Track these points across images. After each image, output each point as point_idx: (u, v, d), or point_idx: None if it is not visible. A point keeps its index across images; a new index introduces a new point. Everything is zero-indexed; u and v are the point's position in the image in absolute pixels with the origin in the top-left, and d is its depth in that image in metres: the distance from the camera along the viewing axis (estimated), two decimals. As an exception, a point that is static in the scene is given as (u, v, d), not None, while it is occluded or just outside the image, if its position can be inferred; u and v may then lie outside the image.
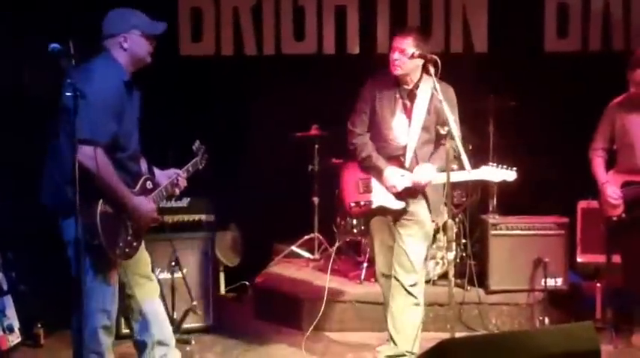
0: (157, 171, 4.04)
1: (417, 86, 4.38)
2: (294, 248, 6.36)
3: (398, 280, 4.36)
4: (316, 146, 6.30)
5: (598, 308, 5.22)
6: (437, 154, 4.35)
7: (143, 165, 3.98)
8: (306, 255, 6.36)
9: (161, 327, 4.15)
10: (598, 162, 5.04)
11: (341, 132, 5.95)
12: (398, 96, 4.38)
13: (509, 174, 4.32)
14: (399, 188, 4.33)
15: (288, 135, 6.19)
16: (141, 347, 4.16)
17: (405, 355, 4.37)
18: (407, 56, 4.23)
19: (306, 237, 6.34)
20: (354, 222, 6.23)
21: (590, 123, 5.16)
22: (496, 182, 4.39)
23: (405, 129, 4.36)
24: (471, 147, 5.32)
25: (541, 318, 5.22)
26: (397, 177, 4.33)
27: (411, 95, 4.37)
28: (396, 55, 4.29)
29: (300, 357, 4.89)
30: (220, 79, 6.60)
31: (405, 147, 4.37)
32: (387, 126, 4.38)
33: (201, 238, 5.38)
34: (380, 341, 4.72)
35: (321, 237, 6.30)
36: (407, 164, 4.37)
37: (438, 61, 4.10)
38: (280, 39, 6.80)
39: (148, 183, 3.92)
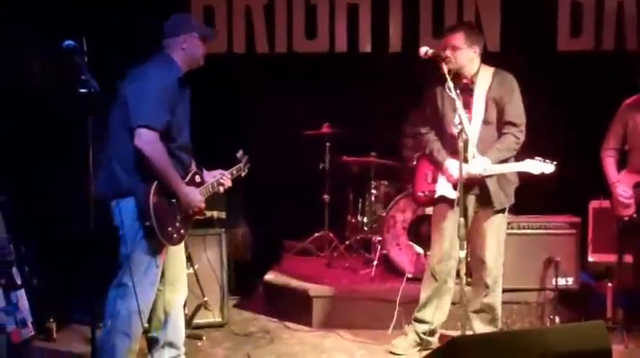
0: (203, 169, 4.29)
1: (473, 79, 4.51)
2: (304, 245, 6.37)
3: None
4: (327, 144, 6.32)
5: (609, 307, 5.22)
6: (495, 146, 4.50)
7: (192, 160, 4.20)
8: (317, 252, 6.37)
9: (177, 331, 4.28)
10: (609, 162, 5.04)
11: (352, 131, 6.02)
12: (457, 91, 4.30)
13: (548, 167, 4.39)
14: (454, 179, 4.46)
15: (299, 133, 6.20)
16: (152, 343, 4.23)
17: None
18: (459, 50, 4.42)
19: (316, 234, 6.36)
20: (365, 219, 6.27)
21: (603, 123, 5.15)
22: (535, 175, 4.42)
23: (465, 123, 4.27)
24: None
25: (551, 317, 5.22)
26: (454, 169, 4.39)
27: (469, 89, 4.50)
28: (448, 52, 4.41)
29: (311, 354, 4.90)
30: (232, 77, 6.62)
31: (465, 143, 4.25)
32: (448, 122, 4.46)
33: (212, 235, 5.41)
34: (389, 338, 4.74)
35: (331, 235, 6.32)
36: (470, 158, 4.46)
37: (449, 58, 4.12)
38: (292, 37, 6.82)
39: (197, 176, 4.16)
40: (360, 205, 6.42)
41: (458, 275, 4.21)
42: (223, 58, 6.76)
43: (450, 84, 4.08)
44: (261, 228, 6.60)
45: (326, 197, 6.35)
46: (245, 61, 6.78)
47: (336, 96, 6.28)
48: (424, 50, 4.26)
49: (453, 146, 4.35)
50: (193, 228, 5.22)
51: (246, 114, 6.59)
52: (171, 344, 4.25)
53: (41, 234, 5.28)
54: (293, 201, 6.40)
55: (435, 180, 4.73)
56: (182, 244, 4.23)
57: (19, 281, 5.11)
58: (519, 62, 6.33)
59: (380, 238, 5.82)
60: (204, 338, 5.10)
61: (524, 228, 5.40)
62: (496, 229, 4.67)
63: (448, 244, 4.61)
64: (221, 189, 4.28)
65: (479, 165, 4.43)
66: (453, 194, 4.49)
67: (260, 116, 6.57)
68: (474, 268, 4.76)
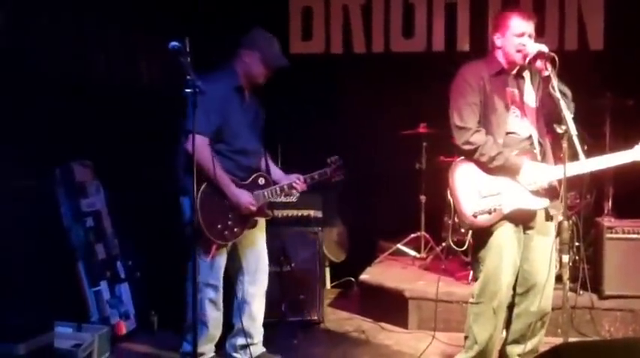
0: (279, 172, 4.51)
1: (519, 73, 4.09)
2: (399, 246, 6.35)
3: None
4: (424, 144, 6.27)
5: None
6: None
7: (262, 163, 4.44)
8: (412, 253, 6.34)
9: (253, 321, 4.50)
10: None
11: (449, 131, 5.93)
12: (504, 83, 4.05)
13: None
14: (544, 183, 3.94)
15: (396, 133, 6.17)
16: (230, 329, 4.52)
17: None
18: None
19: (412, 235, 6.32)
20: (455, 219, 6.16)
21: None
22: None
23: (519, 120, 4.04)
24: (586, 148, 5.14)
25: (657, 326, 5.03)
26: (540, 172, 3.93)
27: (518, 83, 4.09)
28: (528, 41, 3.94)
29: (406, 356, 4.88)
30: (330, 77, 6.66)
31: (529, 139, 4.03)
32: (503, 119, 4.01)
33: (309, 233, 5.46)
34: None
35: (427, 236, 6.27)
36: (539, 157, 4.02)
37: (556, 58, 3.84)
38: (389, 36, 6.80)
39: (261, 179, 4.38)
40: (452, 206, 6.32)
41: (560, 280, 4.05)
42: (321, 58, 6.81)
43: (555, 83, 3.87)
44: (356, 227, 6.61)
45: (422, 197, 6.30)
46: (342, 61, 6.80)
47: (433, 95, 6.19)
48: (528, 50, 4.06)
49: (510, 147, 3.99)
50: (290, 226, 5.35)
51: (343, 114, 6.60)
52: (245, 333, 4.46)
53: (144, 229, 5.44)
54: (389, 202, 6.37)
55: (494, 192, 3.98)
56: (260, 236, 4.52)
57: (122, 275, 5.30)
58: (624, 61, 6.17)
59: (472, 241, 5.72)
60: (299, 336, 5.14)
61: (629, 233, 5.20)
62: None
63: (512, 275, 4.06)
64: (294, 192, 4.46)
65: (578, 163, 3.75)
66: (536, 203, 3.97)
67: (357, 116, 6.56)
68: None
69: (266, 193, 4.35)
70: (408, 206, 6.33)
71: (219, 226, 4.21)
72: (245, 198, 4.25)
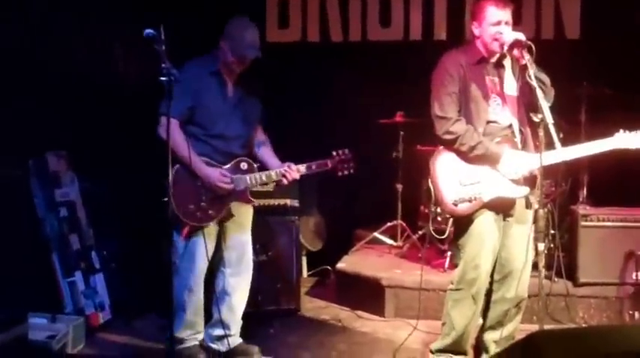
0: (276, 162, 4.40)
1: (500, 61, 4.09)
2: (376, 234, 6.35)
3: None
4: (401, 133, 6.28)
5: (692, 303, 5.05)
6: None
7: (250, 149, 4.43)
8: (389, 241, 6.35)
9: (232, 312, 4.47)
10: None
11: (426, 120, 5.94)
12: (485, 71, 4.05)
13: None
14: (525, 172, 3.95)
15: (372, 122, 6.17)
16: (210, 318, 4.50)
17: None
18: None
19: (389, 223, 6.33)
20: (438, 209, 6.18)
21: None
22: (634, 149, 3.86)
23: (499, 108, 4.04)
24: (562, 136, 5.17)
25: (631, 313, 5.07)
26: (520, 160, 3.94)
27: (498, 71, 4.08)
28: (505, 29, 3.94)
29: (383, 344, 4.88)
30: (306, 66, 6.63)
31: (509, 128, 4.04)
32: (484, 108, 4.01)
33: (285, 222, 5.44)
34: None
35: (404, 224, 6.28)
36: (520, 146, 4.03)
37: (533, 47, 3.84)
38: (366, 25, 6.78)
39: (243, 164, 4.34)
40: (428, 193, 6.34)
41: (536, 267, 4.08)
42: (298, 47, 6.78)
43: (531, 71, 3.87)
44: (333, 216, 6.60)
45: (399, 186, 6.30)
46: (319, 50, 6.77)
47: (410, 84, 6.19)
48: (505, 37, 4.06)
49: (492, 136, 3.99)
50: (267, 216, 5.32)
51: (320, 103, 6.58)
52: (223, 324, 4.45)
53: (119, 219, 5.40)
54: (366, 190, 6.38)
55: (474, 181, 3.99)
56: (245, 228, 4.47)
57: (97, 266, 5.26)
58: (600, 49, 6.20)
59: (453, 228, 5.74)
60: (275, 325, 5.14)
61: (603, 221, 5.26)
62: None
63: (491, 262, 4.09)
64: (284, 181, 4.35)
65: (559, 151, 3.77)
66: (516, 192, 3.98)
67: (334, 104, 6.55)
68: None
69: (248, 178, 4.30)
70: (385, 195, 6.34)
71: (191, 206, 4.17)
72: (216, 175, 4.21)
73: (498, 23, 3.97)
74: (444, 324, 4.25)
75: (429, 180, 4.21)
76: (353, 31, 6.79)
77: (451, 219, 4.53)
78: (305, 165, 4.35)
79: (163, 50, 3.63)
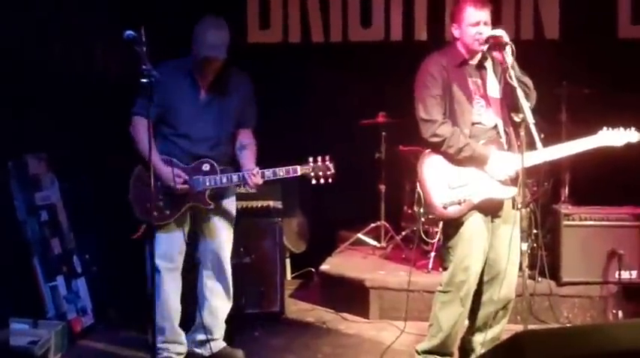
0: (248, 163, 4.30)
1: (481, 63, 4.10)
2: (360, 235, 6.34)
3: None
4: (383, 134, 6.26)
5: (674, 302, 5.09)
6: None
7: (215, 151, 4.30)
8: (373, 242, 6.34)
9: (214, 316, 4.45)
10: None
11: (408, 120, 5.94)
12: (467, 73, 4.06)
13: (633, 135, 3.93)
14: (512, 172, 3.94)
15: (355, 123, 6.16)
16: (193, 322, 4.49)
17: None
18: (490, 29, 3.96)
19: (372, 224, 6.32)
20: (422, 210, 6.18)
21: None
22: (619, 146, 3.91)
23: (483, 110, 4.04)
24: (542, 136, 5.18)
25: (614, 312, 5.10)
26: (507, 161, 3.94)
27: (481, 73, 4.09)
28: (484, 29, 3.95)
29: (368, 346, 4.88)
30: (288, 66, 6.61)
31: (494, 129, 4.04)
32: (468, 109, 4.01)
33: (269, 224, 5.41)
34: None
35: (387, 225, 6.27)
36: (505, 146, 4.04)
37: (513, 47, 3.87)
38: (347, 26, 6.77)
39: (205, 165, 4.27)
40: (416, 195, 6.34)
41: (519, 268, 4.09)
42: (279, 48, 6.76)
43: (512, 72, 3.89)
44: (316, 217, 6.59)
45: (382, 187, 6.30)
46: (300, 50, 6.76)
47: (392, 85, 6.20)
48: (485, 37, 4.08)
49: (477, 137, 3.99)
50: (250, 218, 5.30)
51: (302, 104, 6.57)
52: (205, 328, 4.42)
53: (101, 223, 5.35)
54: (349, 191, 6.35)
55: (463, 182, 3.99)
56: (225, 232, 4.43)
57: (79, 270, 5.21)
58: (579, 50, 6.24)
59: (437, 229, 5.74)
60: (260, 328, 5.11)
61: (586, 220, 5.29)
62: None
63: (480, 264, 4.08)
64: (247, 187, 4.38)
65: (543, 151, 3.84)
66: (505, 192, 3.99)
67: (316, 105, 6.53)
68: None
69: (208, 180, 4.23)
70: (368, 195, 6.33)
71: (147, 205, 4.05)
72: (169, 175, 4.15)
73: (477, 24, 3.98)
74: (431, 325, 4.24)
75: (418, 184, 4.17)
76: (334, 32, 6.77)
77: (440, 222, 4.49)
78: (271, 170, 4.22)
79: (144, 51, 3.62)
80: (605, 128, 3.96)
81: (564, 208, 5.37)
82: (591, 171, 5.27)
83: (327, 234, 6.57)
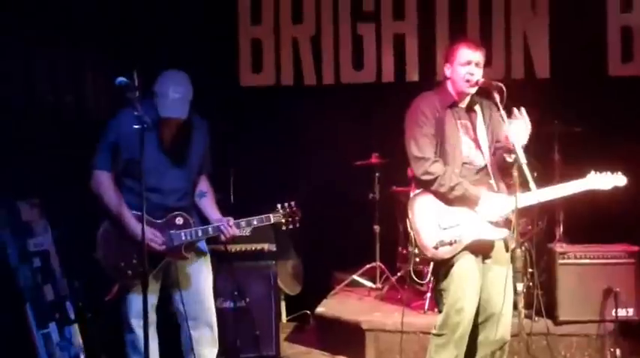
0: (213, 211, 4.26)
1: (471, 106, 4.14)
2: (355, 277, 6.31)
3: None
4: (377, 174, 6.28)
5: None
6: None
7: (183, 201, 4.23)
8: (368, 283, 6.31)
9: None
10: None
11: (401, 161, 5.96)
12: (457, 115, 4.09)
13: (619, 180, 3.96)
14: (504, 213, 3.94)
15: (348, 164, 6.17)
16: None
17: None
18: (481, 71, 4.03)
19: (367, 265, 6.30)
20: (416, 250, 6.15)
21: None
22: (606, 190, 3.94)
23: (473, 151, 4.07)
24: (535, 174, 5.19)
25: (612, 350, 5.06)
26: (498, 202, 3.93)
27: (470, 116, 4.13)
28: (475, 70, 4.01)
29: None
30: (281, 109, 6.65)
31: (484, 169, 4.07)
32: (459, 150, 4.03)
33: (263, 267, 5.39)
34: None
35: (382, 266, 6.25)
36: (495, 188, 4.04)
37: (504, 88, 3.90)
38: (339, 68, 6.83)
39: (179, 219, 4.17)
40: (409, 236, 6.33)
41: (515, 308, 4.06)
42: (271, 91, 6.81)
43: (503, 113, 3.92)
44: (311, 259, 6.56)
45: (376, 228, 6.29)
46: (293, 93, 6.80)
47: (385, 125, 6.23)
48: (475, 79, 4.14)
49: (467, 177, 4.00)
50: (244, 261, 5.27)
51: (295, 146, 6.59)
52: None
53: (94, 268, 5.31)
54: (343, 232, 6.36)
55: (454, 223, 3.98)
56: (203, 278, 4.32)
57: (72, 316, 5.15)
58: (570, 89, 6.30)
59: (433, 272, 5.71)
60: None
61: (581, 258, 5.27)
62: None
63: (474, 305, 4.02)
64: (222, 237, 4.19)
65: (534, 193, 3.83)
66: (496, 234, 3.98)
67: (309, 147, 6.56)
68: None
69: (183, 235, 4.14)
70: (363, 236, 6.32)
71: (122, 264, 4.05)
72: (146, 235, 3.89)
73: (469, 63, 4.01)
74: None
75: (408, 224, 4.13)
76: (326, 74, 6.83)
77: (431, 264, 4.47)
78: (245, 220, 4.18)
79: (137, 97, 3.62)
80: (593, 172, 3.97)
81: (559, 247, 5.37)
82: (585, 210, 5.27)
83: (322, 275, 6.54)
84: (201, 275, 4.34)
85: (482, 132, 4.13)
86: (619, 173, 3.99)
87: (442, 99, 4.11)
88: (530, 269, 5.35)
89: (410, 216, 4.09)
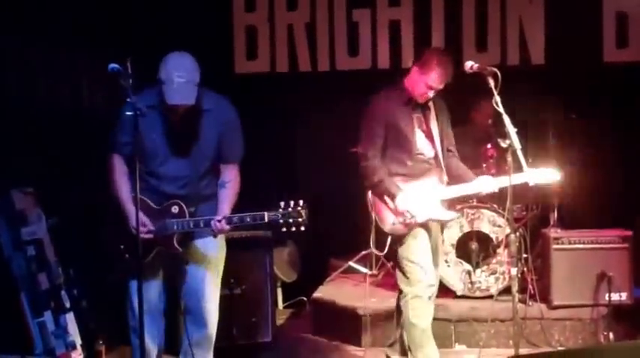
0: (222, 204, 4.09)
1: (426, 102, 4.46)
2: (351, 263, 6.32)
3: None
4: (372, 161, 6.26)
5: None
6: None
7: (185, 190, 4.06)
8: (364, 270, 6.32)
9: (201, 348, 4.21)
10: None
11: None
12: (412, 110, 4.45)
13: (554, 174, 4.27)
14: (417, 218, 4.35)
15: (344, 151, 6.16)
16: None
17: None
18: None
19: (363, 252, 6.30)
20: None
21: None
22: (549, 185, 4.34)
23: (425, 142, 4.44)
24: (530, 161, 5.22)
25: (605, 334, 5.09)
26: (413, 203, 4.34)
27: (424, 110, 4.47)
28: (432, 93, 4.38)
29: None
30: (276, 96, 6.64)
31: (435, 159, 4.45)
32: (411, 142, 4.41)
33: (259, 254, 5.39)
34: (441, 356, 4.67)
35: (378, 252, 6.25)
36: (445, 177, 4.46)
37: (498, 73, 3.98)
38: (335, 55, 6.82)
39: (174, 207, 4.03)
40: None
41: (507, 292, 4.09)
42: (266, 78, 6.79)
43: (498, 99, 3.97)
44: (307, 246, 6.57)
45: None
46: (288, 80, 6.79)
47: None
48: (469, 64, 4.18)
49: (418, 167, 4.43)
50: (240, 248, 5.27)
51: (291, 133, 6.59)
52: None
53: (89, 257, 5.32)
54: (339, 219, 6.36)
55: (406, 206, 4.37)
56: (205, 273, 4.14)
57: (67, 305, 5.16)
58: (565, 75, 6.29)
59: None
60: (252, 358, 5.09)
61: (575, 243, 5.29)
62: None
63: (431, 261, 4.51)
64: (213, 232, 3.96)
65: (487, 183, 4.35)
66: (447, 215, 4.54)
67: (304, 134, 6.56)
68: None
69: (175, 224, 3.98)
70: (358, 223, 6.31)
71: (122, 247, 4.04)
72: (130, 219, 3.89)
73: (431, 88, 4.34)
74: (408, 346, 4.51)
75: (370, 208, 4.59)
76: (321, 61, 6.82)
77: (389, 238, 4.73)
78: (238, 216, 3.96)
79: (130, 84, 3.60)
80: (526, 168, 4.11)
81: (553, 232, 5.38)
82: (579, 196, 5.29)
83: (318, 262, 6.56)
84: (199, 272, 4.16)
85: (434, 125, 4.49)
86: (554, 169, 4.33)
87: (400, 95, 4.45)
88: (524, 255, 5.38)
89: (370, 198, 4.59)
